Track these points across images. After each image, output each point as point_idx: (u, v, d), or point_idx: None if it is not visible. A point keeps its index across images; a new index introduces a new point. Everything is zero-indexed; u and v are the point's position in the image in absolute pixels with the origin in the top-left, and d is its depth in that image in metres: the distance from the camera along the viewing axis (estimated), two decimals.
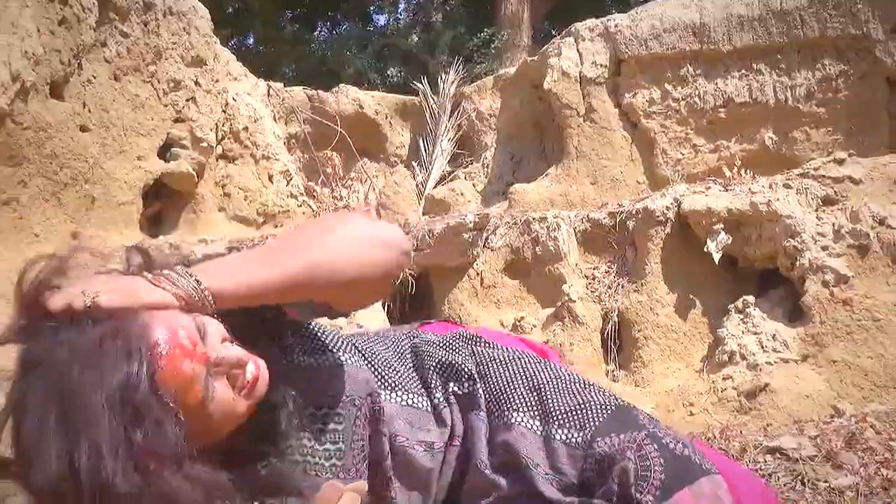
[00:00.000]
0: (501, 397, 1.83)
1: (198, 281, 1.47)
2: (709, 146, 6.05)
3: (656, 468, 1.67)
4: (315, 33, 18.26)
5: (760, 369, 4.12)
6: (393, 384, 1.81)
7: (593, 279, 4.79)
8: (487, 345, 1.95)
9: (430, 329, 2.11)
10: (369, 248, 1.60)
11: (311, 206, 7.14)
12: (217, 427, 1.51)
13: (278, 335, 1.71)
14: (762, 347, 4.19)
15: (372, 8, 18.73)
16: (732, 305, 4.40)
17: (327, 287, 1.58)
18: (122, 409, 1.32)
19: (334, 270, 1.56)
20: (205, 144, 6.39)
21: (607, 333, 4.69)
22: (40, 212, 5.17)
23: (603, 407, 1.78)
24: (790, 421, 3.84)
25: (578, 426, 1.76)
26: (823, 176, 4.45)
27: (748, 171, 5.38)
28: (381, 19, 19.28)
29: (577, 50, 6.42)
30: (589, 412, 1.77)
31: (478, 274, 4.88)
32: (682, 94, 6.09)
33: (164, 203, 6.39)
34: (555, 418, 1.78)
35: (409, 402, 1.81)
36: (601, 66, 6.34)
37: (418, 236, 4.90)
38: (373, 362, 1.83)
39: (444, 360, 1.89)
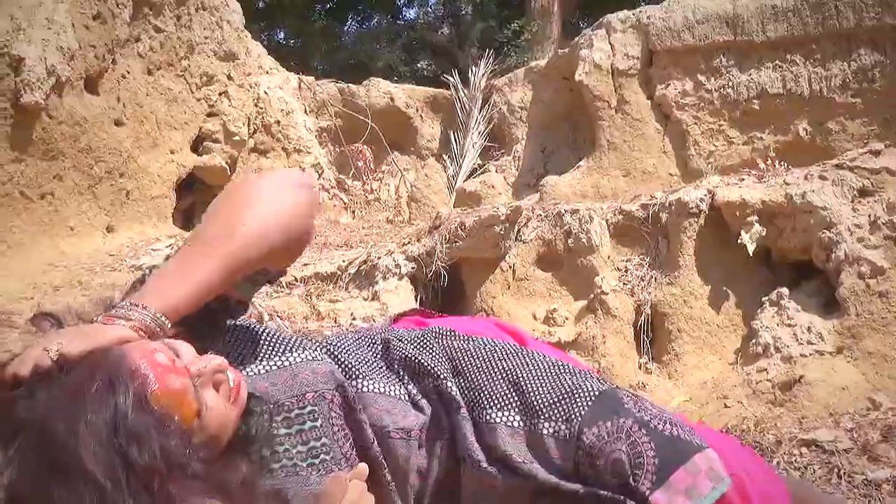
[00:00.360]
0: (480, 394, 1.82)
1: (145, 308, 1.49)
2: (742, 138, 6.02)
3: (649, 454, 1.69)
4: (345, 27, 18.29)
5: (795, 361, 4.10)
6: (362, 374, 1.81)
7: (626, 271, 4.77)
8: (462, 339, 1.93)
9: (403, 324, 2.12)
10: (290, 202, 1.64)
11: (342, 200, 7.17)
12: (216, 437, 1.52)
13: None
14: (797, 340, 4.17)
15: (401, 1, 18.74)
16: (766, 298, 4.37)
17: (267, 255, 1.61)
18: (120, 439, 1.31)
19: (268, 237, 1.59)
20: (237, 138, 6.44)
21: (640, 326, 4.67)
22: (75, 205, 5.22)
23: (586, 393, 1.77)
24: (826, 413, 3.82)
25: (564, 418, 1.75)
26: (859, 167, 4.41)
27: (782, 163, 5.35)
28: (411, 12, 19.27)
29: (609, 42, 6.40)
30: (573, 401, 1.76)
31: (510, 266, 4.87)
32: (715, 85, 6.06)
33: (196, 196, 6.45)
34: (539, 412, 1.77)
35: (381, 390, 1.81)
36: (633, 57, 6.32)
37: (450, 229, 4.91)
38: (338, 355, 1.83)
39: (411, 356, 1.88)
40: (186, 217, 6.40)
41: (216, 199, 1.68)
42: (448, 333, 1.96)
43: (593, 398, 1.77)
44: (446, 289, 4.91)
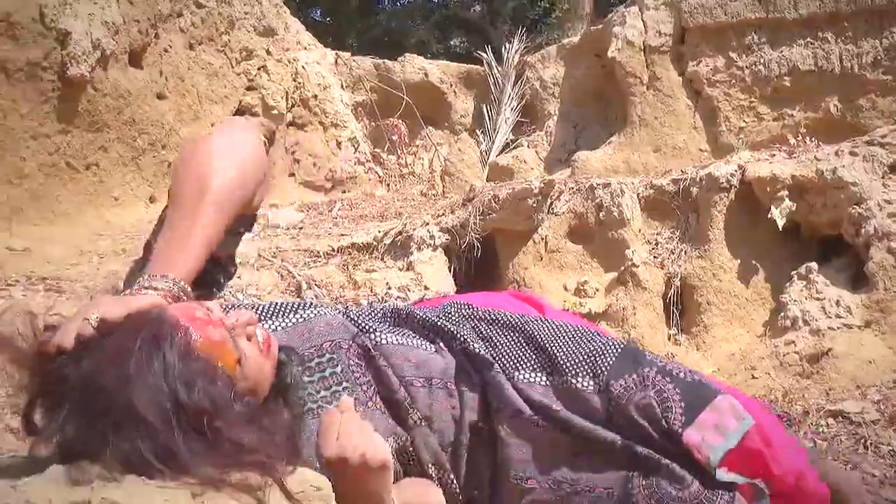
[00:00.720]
0: (506, 359, 1.88)
1: (164, 276, 1.55)
2: (773, 114, 5.98)
3: (675, 398, 1.79)
4: (379, 5, 18.24)
5: (823, 335, 4.09)
6: (378, 330, 1.88)
7: (656, 245, 4.78)
8: (481, 310, 1.99)
9: (423, 304, 2.21)
10: (245, 146, 1.71)
11: (377, 173, 7.19)
12: (255, 386, 1.57)
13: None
14: (825, 313, 4.16)
15: None
16: (795, 272, 4.36)
17: (242, 197, 1.67)
18: (170, 384, 1.36)
19: (240, 179, 1.66)
20: (275, 112, 6.47)
21: (670, 298, 4.68)
22: (119, 176, 5.28)
23: (609, 349, 1.86)
24: (853, 385, 3.82)
25: (591, 373, 1.83)
26: (891, 143, 4.38)
27: (813, 139, 5.32)
28: None
29: (642, 19, 6.37)
30: (597, 357, 1.84)
31: (542, 238, 4.89)
32: (746, 62, 6.02)
33: None
34: (567, 370, 1.83)
35: (398, 341, 1.87)
36: (665, 34, 6.29)
37: (484, 201, 4.93)
38: (351, 316, 1.93)
39: (433, 320, 1.96)
40: None
41: (179, 162, 1.74)
42: (466, 305, 2.03)
43: (616, 354, 1.85)
44: (479, 260, 4.92)
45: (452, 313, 2.00)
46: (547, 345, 1.89)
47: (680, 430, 1.77)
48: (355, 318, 1.91)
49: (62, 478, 1.31)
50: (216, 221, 1.63)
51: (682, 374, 1.84)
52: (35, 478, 1.33)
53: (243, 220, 1.81)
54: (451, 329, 1.91)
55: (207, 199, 1.62)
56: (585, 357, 1.86)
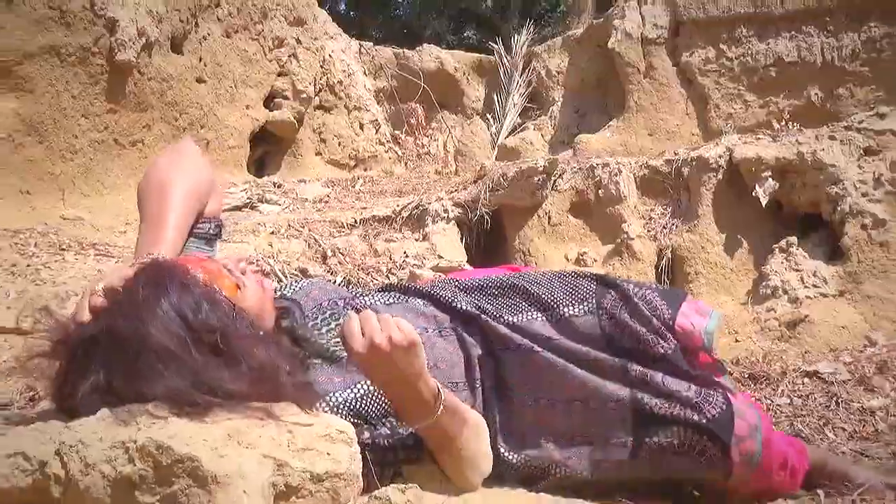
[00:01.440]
0: (501, 308, 1.94)
1: (150, 253, 1.62)
2: (759, 101, 5.95)
3: (656, 299, 1.90)
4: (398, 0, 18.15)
5: (801, 302, 4.09)
6: (367, 294, 1.99)
7: (650, 220, 4.77)
8: (468, 280, 2.05)
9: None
10: (191, 162, 1.84)
11: (396, 153, 7.19)
12: (259, 316, 1.61)
13: None
14: (803, 283, 4.16)
15: None
16: (776, 245, 4.36)
17: (196, 201, 1.80)
18: (178, 311, 1.41)
19: (193, 186, 1.79)
20: (304, 96, 6.46)
21: (661, 268, 4.67)
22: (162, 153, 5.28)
23: (587, 279, 1.97)
24: (827, 349, 3.82)
25: (580, 299, 1.92)
26: (866, 129, 4.36)
27: (795, 125, 5.28)
28: None
29: (640, 13, 6.34)
30: (581, 287, 1.94)
31: (546, 213, 4.88)
32: (735, 53, 5.99)
33: (268, 147, 6.49)
34: (558, 304, 1.91)
35: (387, 301, 1.94)
36: (661, 27, 6.25)
37: (493, 178, 4.92)
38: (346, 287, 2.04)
39: (419, 288, 2.03)
40: (259, 165, 6.46)
41: (142, 180, 1.83)
42: (453, 280, 2.10)
43: (595, 281, 1.96)
44: (489, 232, 4.93)
45: (439, 283, 2.06)
46: (532, 289, 1.96)
47: (671, 321, 1.86)
48: (349, 292, 2.00)
49: (110, 419, 1.33)
50: (181, 214, 1.73)
51: (652, 285, 2.01)
52: (86, 419, 1.35)
53: (209, 224, 1.90)
54: (438, 293, 1.96)
55: (167, 200, 1.73)
56: (569, 290, 1.94)
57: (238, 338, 1.43)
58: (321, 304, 1.84)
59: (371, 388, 1.68)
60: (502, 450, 1.84)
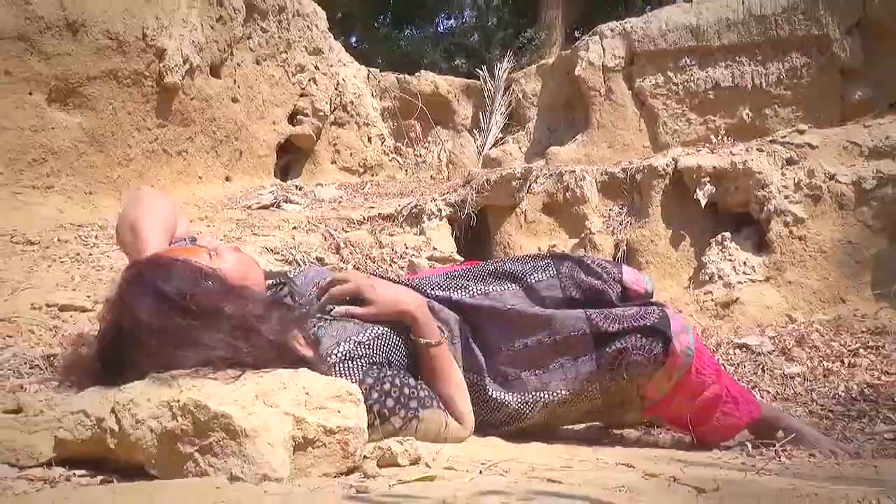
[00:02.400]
0: (477, 285, 1.99)
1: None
2: (699, 120, 5.95)
3: (603, 264, 2.01)
4: (401, 34, 18.12)
5: (733, 287, 4.10)
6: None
7: (609, 217, 4.77)
8: (440, 276, 2.08)
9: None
10: (156, 201, 1.85)
11: (398, 161, 7.18)
12: (242, 274, 1.61)
13: None
14: (735, 271, 4.17)
15: (442, 16, 18.58)
16: (713, 239, 4.36)
17: (167, 227, 1.79)
18: (154, 290, 1.41)
19: (160, 218, 1.78)
20: (322, 113, 6.45)
21: (618, 258, 4.66)
22: (202, 161, 5.27)
23: (543, 257, 2.05)
24: (755, 325, 3.83)
25: (542, 269, 1.99)
26: (788, 143, 4.36)
27: (729, 139, 5.30)
28: (450, 23, 19.06)
29: (601, 45, 6.32)
30: (542, 262, 2.02)
31: (522, 212, 4.88)
32: (680, 79, 5.98)
33: (291, 156, 6.48)
34: (525, 275, 1.98)
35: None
36: (619, 58, 6.24)
37: (479, 183, 4.92)
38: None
39: (401, 279, 2.12)
40: (283, 171, 6.44)
41: (119, 226, 1.83)
42: (426, 279, 2.09)
43: (550, 256, 2.05)
44: (475, 228, 4.93)
45: (423, 278, 2.08)
46: (503, 268, 2.02)
47: (619, 276, 1.97)
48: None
49: (158, 382, 1.32)
50: (156, 242, 1.69)
51: (595, 258, 2.19)
52: (136, 382, 1.34)
53: (184, 241, 1.88)
54: (418, 284, 1.98)
55: (142, 232, 1.71)
56: (532, 264, 2.01)
57: (207, 296, 1.42)
58: (318, 283, 1.84)
59: (381, 330, 1.73)
60: (492, 391, 1.85)
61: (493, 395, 1.85)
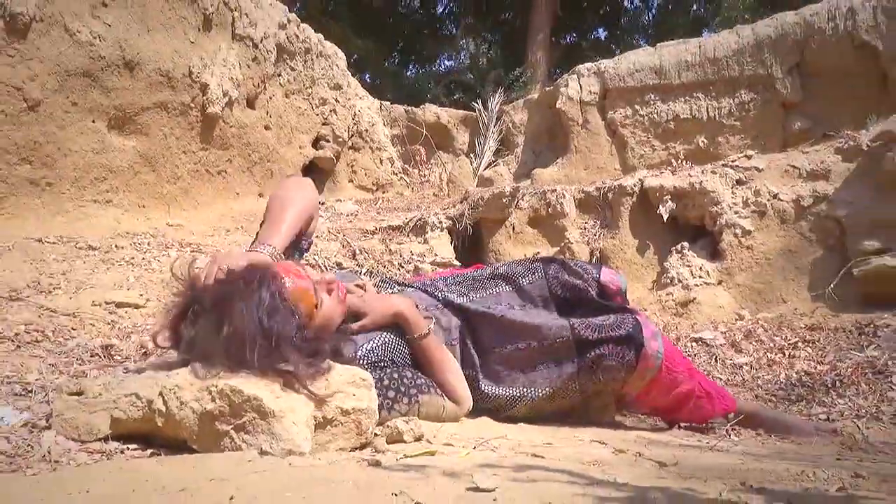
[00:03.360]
0: (477, 289, 1.99)
1: (265, 244, 1.61)
2: (662, 146, 5.94)
3: (585, 266, 2.00)
4: (407, 72, 18.16)
5: (690, 289, 4.10)
6: (379, 284, 2.01)
7: (585, 229, 4.77)
8: (442, 278, 2.10)
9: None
10: (304, 191, 1.83)
11: (405, 181, 7.17)
12: (326, 323, 1.58)
13: None
14: (692, 275, 4.16)
15: (443, 56, 18.64)
16: (673, 248, 4.37)
17: (302, 216, 1.77)
18: (260, 313, 1.37)
19: (302, 206, 1.76)
20: (341, 139, 6.44)
21: (594, 263, 4.68)
22: (240, 180, 5.27)
23: (532, 262, 2.04)
24: (708, 322, 3.83)
25: (531, 272, 1.99)
26: (738, 166, 4.36)
27: (688, 162, 5.30)
28: (450, 63, 19.12)
29: (579, 83, 6.32)
30: (532, 265, 2.01)
31: (511, 224, 4.88)
32: (646, 112, 5.98)
33: (315, 176, 6.47)
34: (517, 277, 1.98)
35: (390, 290, 1.96)
36: (594, 93, 6.24)
37: (474, 199, 4.91)
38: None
39: (415, 283, 2.05)
40: None
41: (273, 193, 1.84)
42: (430, 282, 2.10)
43: (541, 259, 2.03)
44: (471, 237, 4.92)
45: (429, 280, 2.09)
46: (498, 271, 2.02)
47: (597, 276, 1.97)
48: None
49: (200, 370, 1.32)
50: (291, 223, 1.71)
51: (579, 260, 2.14)
52: (181, 370, 1.34)
53: (304, 239, 1.88)
54: (426, 286, 1.99)
55: (287, 210, 1.72)
56: (523, 267, 2.00)
57: (284, 348, 1.38)
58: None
59: (388, 337, 1.72)
60: (484, 385, 1.85)
61: (485, 389, 1.85)
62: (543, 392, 1.85)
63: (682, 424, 2.08)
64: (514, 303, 1.94)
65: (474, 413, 1.83)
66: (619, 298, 1.99)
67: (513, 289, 1.96)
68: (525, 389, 1.85)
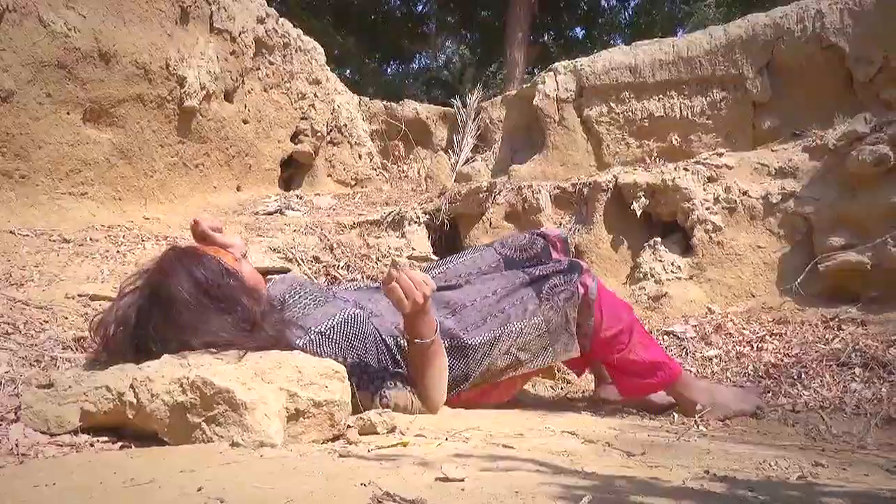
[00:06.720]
0: (438, 272, 2.33)
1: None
2: (636, 143, 5.97)
3: (533, 231, 2.41)
4: (388, 69, 18.08)
5: (662, 283, 4.13)
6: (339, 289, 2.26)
7: (560, 224, 4.77)
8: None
9: None
10: None
11: (384, 175, 7.14)
12: (253, 281, 1.65)
13: None
14: (664, 270, 4.19)
15: (423, 53, 18.60)
16: (646, 243, 4.39)
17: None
18: (191, 275, 1.48)
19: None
20: (319, 134, 6.39)
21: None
22: (217, 173, 5.21)
23: (492, 243, 2.45)
24: (680, 315, 3.86)
25: (485, 247, 2.41)
26: (709, 163, 4.40)
27: (661, 160, 5.34)
28: (429, 61, 19.07)
29: (556, 80, 6.33)
30: (486, 245, 2.44)
31: (488, 219, 4.88)
32: (620, 110, 6.00)
33: (293, 170, 6.42)
34: (473, 251, 2.36)
35: (355, 287, 2.28)
36: (570, 91, 6.25)
37: (452, 195, 4.91)
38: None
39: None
40: (286, 183, 6.37)
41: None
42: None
43: (491, 243, 2.45)
44: (448, 232, 4.92)
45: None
46: (461, 253, 2.39)
47: (546, 232, 2.36)
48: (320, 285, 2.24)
49: (170, 361, 1.30)
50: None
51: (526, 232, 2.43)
52: (152, 362, 1.32)
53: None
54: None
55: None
56: (478, 247, 2.46)
57: (228, 288, 1.48)
58: (291, 285, 1.89)
59: (348, 314, 1.80)
60: (467, 338, 1.99)
61: (468, 342, 1.98)
62: (516, 328, 2.02)
63: (652, 416, 2.10)
64: (474, 279, 2.21)
65: (449, 403, 1.83)
66: (560, 243, 2.33)
67: (474, 260, 2.32)
68: (500, 328, 2.01)
